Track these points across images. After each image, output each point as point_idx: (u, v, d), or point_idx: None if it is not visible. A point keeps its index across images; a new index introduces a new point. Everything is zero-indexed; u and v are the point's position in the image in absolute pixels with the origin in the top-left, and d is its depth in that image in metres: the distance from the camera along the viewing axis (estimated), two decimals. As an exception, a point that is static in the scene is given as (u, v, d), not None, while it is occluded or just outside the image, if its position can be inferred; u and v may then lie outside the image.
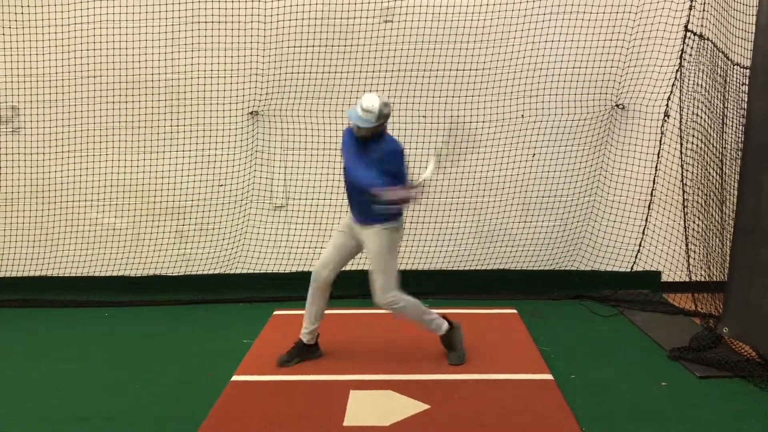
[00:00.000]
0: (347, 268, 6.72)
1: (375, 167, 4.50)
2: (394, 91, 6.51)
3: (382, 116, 4.51)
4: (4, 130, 6.66)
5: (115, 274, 6.83)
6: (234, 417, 4.23)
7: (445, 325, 4.96)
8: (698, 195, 5.86)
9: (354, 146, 4.63)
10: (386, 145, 4.66)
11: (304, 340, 5.03)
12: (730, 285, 5.15)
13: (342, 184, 6.57)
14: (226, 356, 5.18)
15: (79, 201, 6.71)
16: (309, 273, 6.72)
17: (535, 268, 6.83)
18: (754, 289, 4.94)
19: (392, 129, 6.51)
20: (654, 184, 6.58)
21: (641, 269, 6.73)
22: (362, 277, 6.70)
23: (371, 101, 4.49)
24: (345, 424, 4.11)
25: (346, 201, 4.87)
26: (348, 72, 6.49)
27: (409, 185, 4.61)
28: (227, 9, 6.42)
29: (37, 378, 4.89)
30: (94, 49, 6.48)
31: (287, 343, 5.39)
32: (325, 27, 6.44)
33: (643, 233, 6.67)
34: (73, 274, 6.79)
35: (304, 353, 5.04)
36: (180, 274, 6.84)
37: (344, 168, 4.70)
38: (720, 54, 5.65)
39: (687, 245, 5.92)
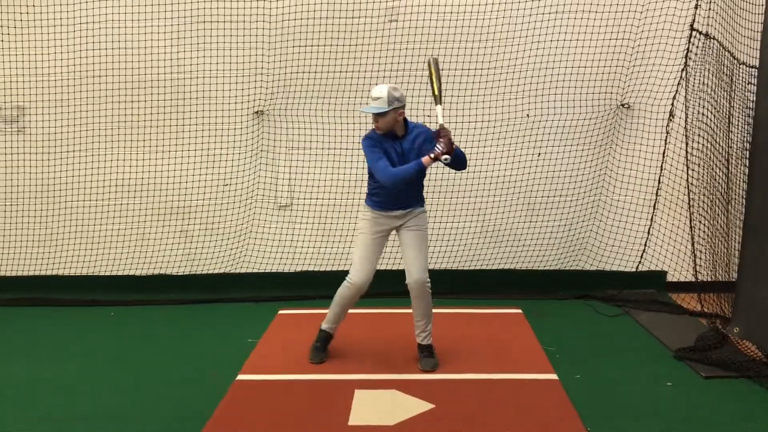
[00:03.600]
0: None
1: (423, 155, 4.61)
2: (399, 91, 6.50)
3: (393, 99, 4.51)
4: (10, 129, 6.68)
5: (120, 273, 6.85)
6: (239, 416, 4.23)
7: (431, 339, 5.00)
8: (704, 195, 5.84)
9: (391, 150, 4.62)
10: (415, 132, 4.68)
11: (330, 330, 5.08)
12: (739, 285, 5.13)
13: (346, 185, 6.64)
14: (231, 355, 5.18)
15: (85, 200, 6.73)
16: (314, 272, 6.82)
17: (540, 268, 6.82)
18: (760, 288, 4.93)
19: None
20: (659, 183, 6.56)
21: (646, 269, 6.71)
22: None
23: (378, 89, 4.56)
24: (350, 423, 4.11)
25: (374, 202, 4.80)
26: (353, 71, 6.49)
27: (441, 131, 4.54)
28: (232, 9, 6.43)
29: (41, 377, 4.90)
30: (100, 49, 6.50)
31: (292, 343, 5.40)
32: (330, 26, 6.45)
33: (649, 233, 6.65)
34: (79, 273, 6.81)
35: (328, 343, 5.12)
36: (185, 273, 6.86)
37: (373, 170, 4.60)
38: (726, 53, 5.63)
39: (693, 245, 5.91)
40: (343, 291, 4.93)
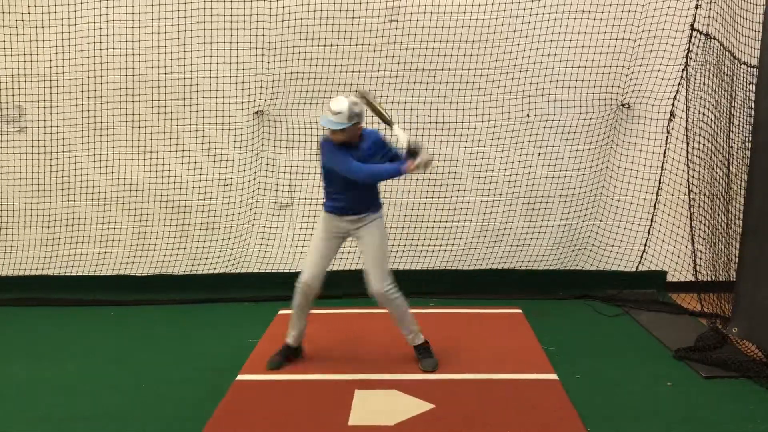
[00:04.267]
0: (353, 266, 6.76)
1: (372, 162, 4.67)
2: (399, 91, 6.51)
3: (354, 115, 4.47)
4: (10, 129, 6.68)
5: (120, 273, 6.85)
6: (239, 416, 4.23)
7: (422, 336, 4.93)
8: (704, 195, 5.84)
9: (347, 152, 4.59)
10: (369, 138, 4.69)
11: (291, 342, 4.99)
12: (738, 285, 5.12)
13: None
14: (231, 355, 5.18)
15: (85, 200, 6.73)
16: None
17: (540, 268, 6.82)
18: (760, 288, 4.92)
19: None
20: (660, 183, 6.56)
21: (647, 269, 6.70)
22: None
23: (339, 103, 4.48)
24: (350, 423, 4.11)
25: (329, 206, 4.78)
26: (353, 71, 6.49)
27: (418, 149, 4.57)
28: (232, 9, 6.43)
29: (42, 377, 4.90)
30: (100, 49, 6.50)
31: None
32: (330, 26, 6.45)
33: (649, 233, 6.65)
34: (79, 274, 6.81)
35: (291, 355, 5.01)
36: (185, 273, 6.86)
37: (347, 171, 4.54)
38: (727, 53, 5.62)
39: (693, 245, 5.90)
40: (295, 295, 4.92)
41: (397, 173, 4.54)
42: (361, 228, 4.75)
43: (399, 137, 4.67)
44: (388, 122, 4.75)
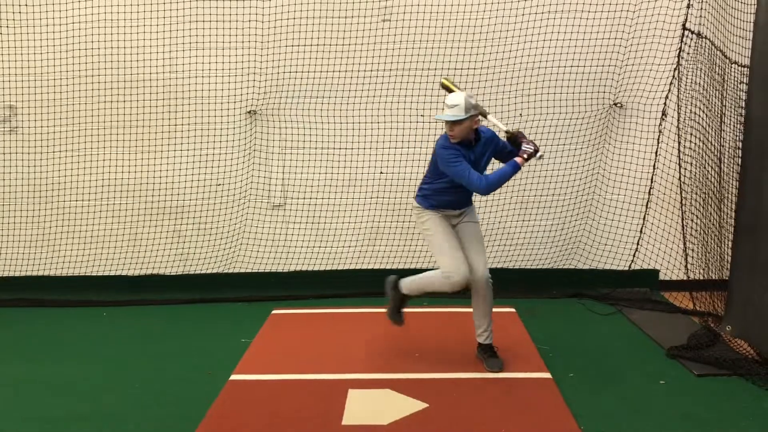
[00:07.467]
0: (349, 266, 6.77)
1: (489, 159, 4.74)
2: (392, 90, 6.51)
3: (471, 106, 4.48)
4: (2, 129, 6.65)
5: (113, 273, 6.82)
6: (232, 416, 4.23)
7: (491, 338, 4.94)
8: (696, 194, 5.86)
9: (465, 155, 4.57)
10: (485, 136, 4.67)
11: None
12: (732, 283, 5.14)
13: (339, 184, 6.64)
14: (224, 355, 5.17)
15: (77, 200, 6.70)
16: (307, 272, 6.82)
17: (533, 267, 6.83)
18: (753, 287, 4.94)
19: (392, 128, 6.57)
20: (652, 182, 6.58)
21: (639, 268, 6.72)
22: (362, 276, 6.73)
23: (454, 97, 4.52)
24: (343, 423, 4.11)
25: (437, 202, 4.78)
26: (346, 71, 6.49)
27: (519, 134, 4.66)
28: (224, 8, 6.42)
29: (35, 377, 4.89)
30: (91, 49, 6.48)
31: (286, 343, 5.39)
32: (323, 26, 6.44)
33: (641, 232, 6.66)
34: (71, 274, 6.79)
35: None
36: (178, 273, 6.84)
37: (468, 184, 4.52)
38: (718, 52, 5.65)
39: (684, 244, 5.92)
40: (436, 281, 4.76)
41: (516, 171, 4.56)
42: (464, 216, 4.83)
43: (497, 126, 4.73)
44: (483, 113, 4.70)
